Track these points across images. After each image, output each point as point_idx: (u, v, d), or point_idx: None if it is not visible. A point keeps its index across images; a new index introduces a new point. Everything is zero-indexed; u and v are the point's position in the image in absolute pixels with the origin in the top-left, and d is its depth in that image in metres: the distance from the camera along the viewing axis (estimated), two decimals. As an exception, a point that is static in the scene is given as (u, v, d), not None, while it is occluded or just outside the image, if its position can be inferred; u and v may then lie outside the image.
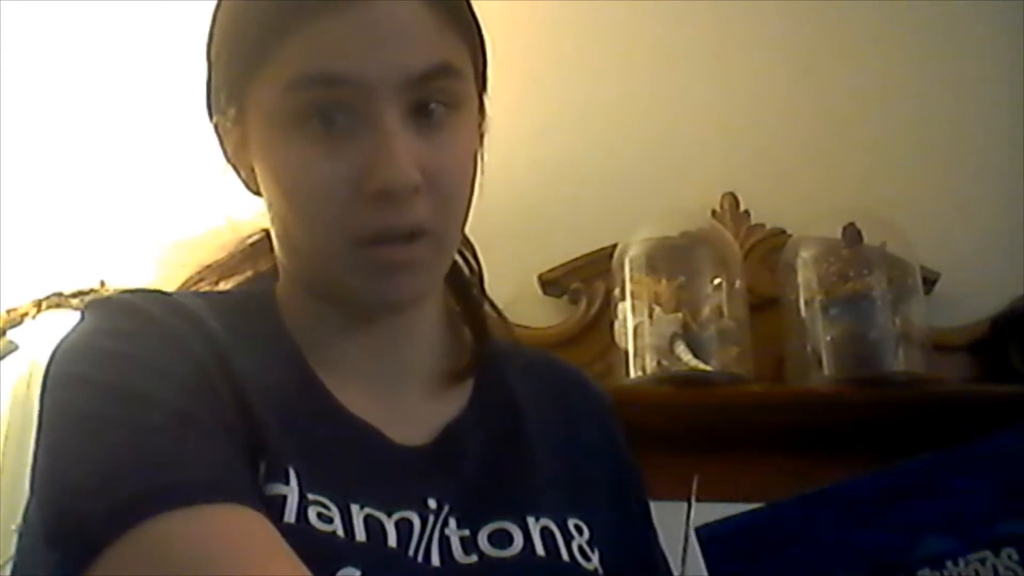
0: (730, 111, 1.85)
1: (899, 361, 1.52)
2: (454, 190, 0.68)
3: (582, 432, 0.83)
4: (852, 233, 1.56)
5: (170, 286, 0.78)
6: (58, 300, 1.83)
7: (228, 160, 0.75)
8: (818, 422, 1.54)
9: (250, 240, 0.82)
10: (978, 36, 1.86)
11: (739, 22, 1.89)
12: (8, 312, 1.81)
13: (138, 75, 1.93)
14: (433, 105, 0.66)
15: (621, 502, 0.82)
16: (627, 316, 1.56)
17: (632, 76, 1.86)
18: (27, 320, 1.82)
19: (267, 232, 0.77)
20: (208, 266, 0.82)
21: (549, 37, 1.86)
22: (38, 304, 1.83)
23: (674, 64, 1.88)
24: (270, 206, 0.71)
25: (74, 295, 1.83)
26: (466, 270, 0.83)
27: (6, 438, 1.66)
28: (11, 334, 1.81)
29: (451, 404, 0.76)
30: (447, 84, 0.66)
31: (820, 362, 1.53)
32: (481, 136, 0.74)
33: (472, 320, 0.81)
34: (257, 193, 0.73)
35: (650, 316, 1.54)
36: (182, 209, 1.87)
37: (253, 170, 0.72)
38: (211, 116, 0.74)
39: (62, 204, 1.87)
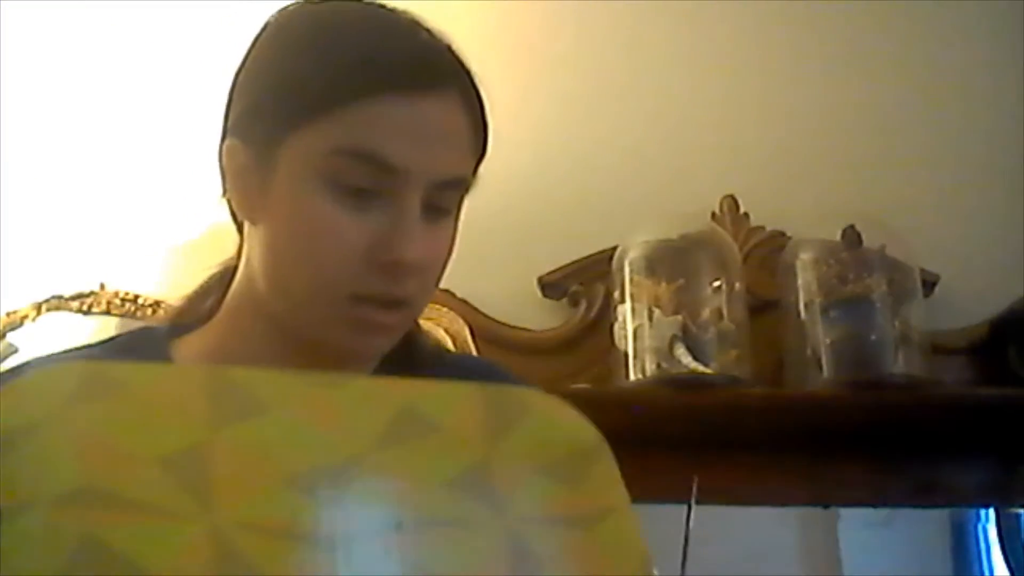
0: (730, 114, 1.85)
1: (898, 364, 1.52)
2: (436, 275, 0.75)
3: None
4: (852, 236, 1.56)
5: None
6: (58, 303, 1.83)
7: (224, 184, 0.76)
8: (818, 425, 1.54)
9: (208, 278, 0.84)
10: (978, 37, 1.87)
11: (739, 25, 1.89)
12: (8, 315, 1.81)
13: (138, 79, 1.93)
14: (439, 206, 0.72)
15: None
16: (627, 318, 1.56)
17: (632, 79, 1.86)
18: (27, 323, 1.82)
19: (223, 269, 0.81)
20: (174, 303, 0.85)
21: (549, 40, 1.86)
22: (38, 307, 1.83)
23: (674, 67, 1.88)
24: (269, 243, 0.72)
25: (74, 298, 1.83)
26: None
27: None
28: (11, 337, 1.81)
29: None
30: (456, 195, 0.74)
31: (820, 365, 1.53)
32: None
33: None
34: (237, 221, 0.76)
35: (650, 318, 1.54)
36: (182, 212, 1.87)
37: (253, 201, 0.73)
38: (224, 137, 0.75)
39: (62, 207, 1.87)
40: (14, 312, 1.82)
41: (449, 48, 0.74)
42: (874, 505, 1.63)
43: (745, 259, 1.67)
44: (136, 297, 1.81)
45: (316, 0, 0.76)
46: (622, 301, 1.58)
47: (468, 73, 0.74)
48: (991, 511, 1.64)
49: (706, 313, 1.55)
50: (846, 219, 1.58)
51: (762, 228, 1.73)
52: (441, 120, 0.70)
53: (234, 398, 0.48)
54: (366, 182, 0.69)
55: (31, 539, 0.43)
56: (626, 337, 1.55)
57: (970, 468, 1.59)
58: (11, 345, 1.81)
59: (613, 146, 1.80)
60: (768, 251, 1.70)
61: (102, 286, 1.83)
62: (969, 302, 1.68)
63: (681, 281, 1.56)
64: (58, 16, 1.94)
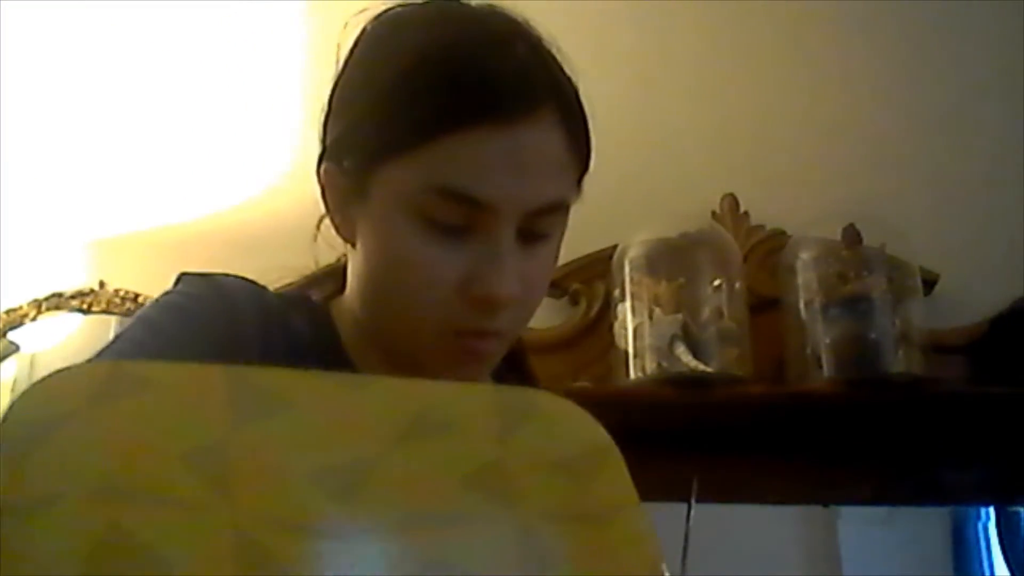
0: (730, 113, 1.85)
1: (898, 362, 1.52)
2: (536, 302, 0.73)
3: None
4: (852, 234, 1.56)
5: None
6: (57, 301, 1.83)
7: (326, 206, 0.75)
8: (818, 423, 1.54)
9: (317, 272, 0.85)
10: (978, 36, 1.87)
11: (739, 24, 1.89)
12: (8, 313, 1.81)
13: (137, 78, 1.93)
14: (537, 232, 0.70)
15: None
16: (627, 317, 1.56)
17: (632, 78, 1.86)
18: (27, 321, 1.82)
19: (334, 268, 0.81)
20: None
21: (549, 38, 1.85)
22: (38, 305, 1.83)
23: (674, 66, 1.88)
24: (366, 268, 0.72)
25: (74, 296, 1.83)
26: None
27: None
28: (11, 335, 1.81)
29: None
30: (556, 219, 0.71)
31: (820, 363, 1.53)
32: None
33: (514, 380, 0.83)
34: (349, 241, 0.75)
35: (650, 317, 1.54)
36: (182, 211, 1.87)
37: (352, 225, 0.73)
38: (322, 160, 0.74)
39: (62, 205, 1.87)
40: (14, 310, 1.82)
41: (546, 60, 0.72)
42: (874, 504, 1.63)
43: (745, 258, 1.67)
44: (136, 296, 1.81)
45: (415, 3, 0.73)
46: (622, 300, 1.58)
47: (568, 85, 0.72)
48: (991, 510, 1.64)
49: (706, 312, 1.55)
50: (846, 218, 1.58)
51: (762, 227, 1.73)
52: (536, 148, 0.68)
53: (256, 396, 0.49)
54: (458, 219, 0.67)
55: (57, 530, 0.44)
56: (626, 336, 1.55)
57: (970, 467, 1.59)
58: (11, 343, 1.81)
59: (613, 145, 1.79)
60: (768, 250, 1.70)
61: (102, 284, 1.83)
62: (969, 300, 1.68)
63: (681, 280, 1.56)
64: (57, 18, 1.94)
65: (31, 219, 1.85)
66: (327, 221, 0.77)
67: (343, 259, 0.80)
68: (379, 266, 0.71)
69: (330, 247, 0.80)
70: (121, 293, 1.82)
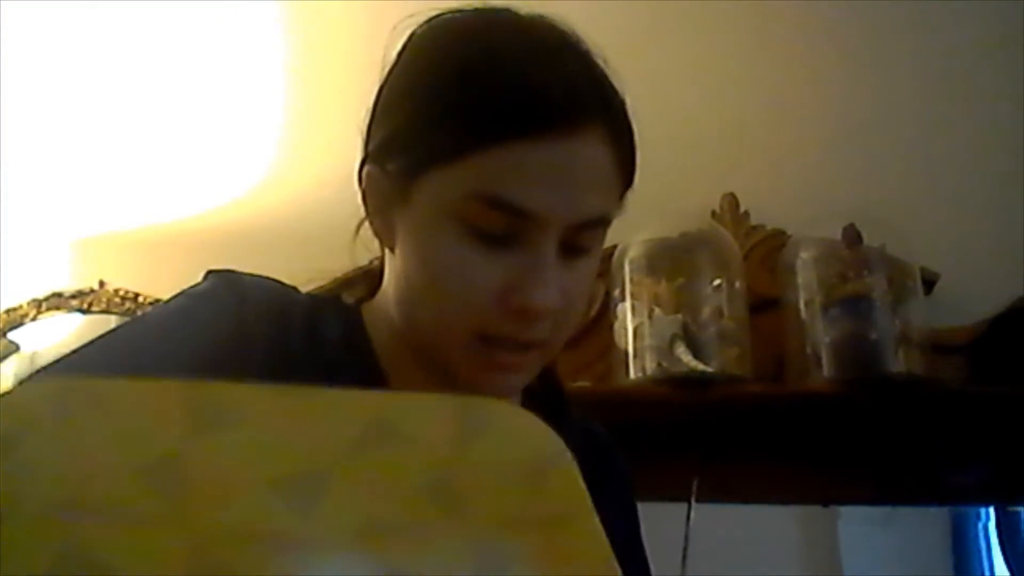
0: (730, 112, 1.85)
1: (899, 362, 1.52)
2: (576, 314, 0.73)
3: (607, 494, 0.85)
4: (852, 234, 1.56)
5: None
6: (57, 301, 1.83)
7: (366, 208, 0.75)
8: (818, 423, 1.54)
9: (349, 275, 0.85)
10: (978, 36, 1.86)
11: (740, 25, 1.89)
12: (8, 313, 1.82)
13: (137, 78, 1.93)
14: (578, 246, 0.70)
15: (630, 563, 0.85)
16: (627, 317, 1.56)
17: (632, 78, 1.86)
18: (27, 321, 1.82)
19: (367, 271, 0.81)
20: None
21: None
22: (38, 305, 1.83)
23: (674, 65, 1.88)
24: (405, 273, 0.72)
25: (73, 296, 1.83)
26: None
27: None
28: (11, 335, 1.81)
29: None
30: (599, 232, 0.72)
31: (820, 363, 1.53)
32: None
33: (546, 396, 0.82)
34: (388, 246, 0.74)
35: (650, 317, 1.53)
36: (181, 211, 1.87)
37: (392, 228, 0.73)
38: (364, 162, 0.74)
39: (62, 205, 1.87)
40: (14, 310, 1.82)
41: (594, 73, 0.72)
42: (874, 504, 1.63)
43: (745, 257, 1.67)
44: (136, 295, 1.81)
45: (465, 10, 0.73)
46: (622, 299, 1.58)
47: (617, 100, 0.73)
48: (991, 510, 1.64)
49: (706, 311, 1.55)
50: (846, 217, 1.58)
51: (762, 226, 1.73)
52: (583, 162, 0.68)
53: (210, 409, 0.49)
54: (501, 228, 0.67)
55: (12, 548, 0.44)
56: (626, 336, 1.55)
57: (970, 467, 1.59)
58: (12, 343, 1.81)
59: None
60: (768, 249, 1.70)
61: (102, 284, 1.83)
62: (970, 300, 1.68)
63: (681, 279, 1.56)
64: (53, 18, 1.94)
65: (30, 219, 1.85)
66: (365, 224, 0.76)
67: (375, 262, 0.80)
68: (419, 271, 0.70)
69: (365, 249, 0.79)
70: (121, 292, 1.82)
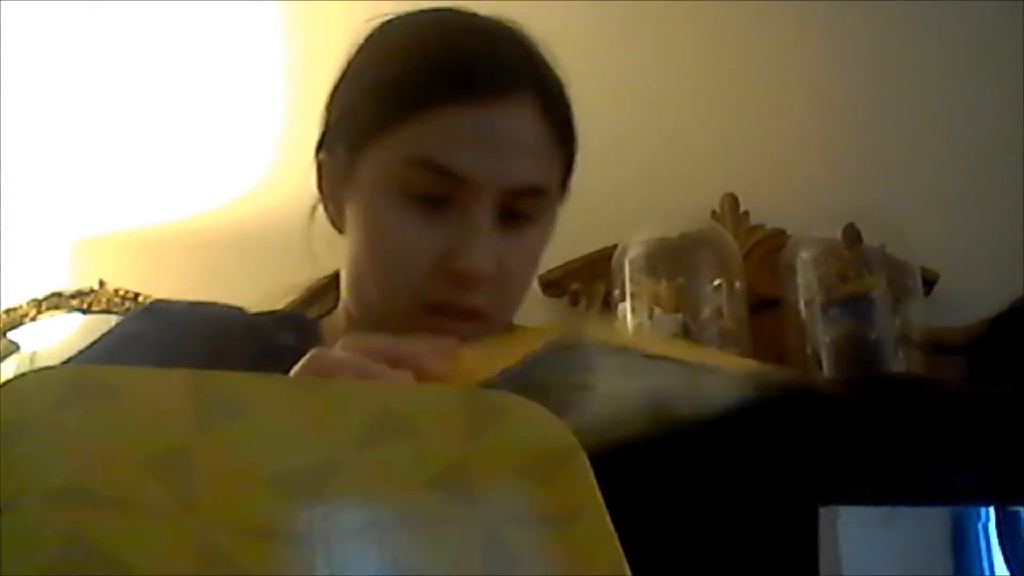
0: (730, 112, 1.85)
1: (898, 362, 1.52)
2: (516, 285, 0.74)
3: None
4: (852, 234, 1.56)
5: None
6: (57, 301, 1.83)
7: (321, 194, 0.78)
8: (817, 423, 1.54)
9: (317, 283, 0.87)
10: (978, 36, 1.86)
11: (738, 24, 1.89)
12: (8, 312, 1.82)
13: (136, 78, 1.93)
14: (519, 213, 0.72)
15: None
16: (627, 317, 1.56)
17: (632, 77, 1.86)
18: (27, 321, 1.82)
19: (333, 275, 0.82)
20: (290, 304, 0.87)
21: (549, 40, 1.85)
22: (38, 305, 1.83)
23: (674, 65, 1.88)
24: (352, 251, 0.74)
25: (73, 295, 1.83)
26: None
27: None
28: (11, 335, 1.81)
29: None
30: (535, 203, 0.73)
31: (820, 363, 1.53)
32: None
33: None
34: (340, 231, 0.77)
35: (650, 317, 1.54)
36: (180, 210, 1.87)
37: (342, 210, 0.75)
38: (319, 150, 0.78)
39: (62, 205, 1.87)
40: (14, 310, 1.82)
41: (531, 55, 0.74)
42: (874, 504, 1.63)
43: (745, 257, 1.67)
44: (136, 295, 1.81)
45: (416, 11, 0.76)
46: (622, 300, 1.58)
47: (551, 78, 0.74)
48: (991, 510, 1.64)
49: (706, 312, 1.55)
50: (846, 217, 1.58)
51: (762, 226, 1.73)
52: (512, 128, 0.70)
53: (219, 400, 0.49)
54: (436, 192, 0.69)
55: (17, 536, 0.44)
56: (626, 336, 1.55)
57: (970, 467, 1.59)
58: (11, 343, 1.81)
59: (613, 144, 1.80)
60: (768, 249, 1.70)
61: (101, 283, 1.83)
62: (969, 300, 1.68)
63: (681, 280, 1.56)
64: (53, 19, 1.94)
65: (30, 219, 1.85)
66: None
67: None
68: (363, 244, 0.73)
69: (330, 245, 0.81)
70: (121, 292, 1.82)
